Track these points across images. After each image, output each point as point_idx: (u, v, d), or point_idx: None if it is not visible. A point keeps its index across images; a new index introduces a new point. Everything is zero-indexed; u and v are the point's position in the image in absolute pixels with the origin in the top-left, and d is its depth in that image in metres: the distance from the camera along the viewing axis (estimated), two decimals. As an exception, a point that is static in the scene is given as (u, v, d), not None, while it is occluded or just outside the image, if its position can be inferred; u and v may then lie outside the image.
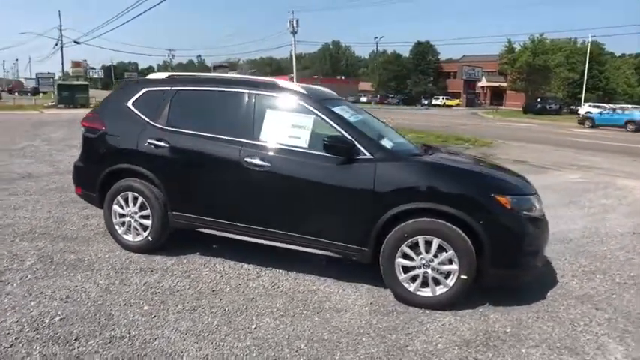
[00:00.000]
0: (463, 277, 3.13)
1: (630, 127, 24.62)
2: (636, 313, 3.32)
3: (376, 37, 78.22)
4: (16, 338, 2.61)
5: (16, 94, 46.31)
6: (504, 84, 52.23)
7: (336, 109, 3.62)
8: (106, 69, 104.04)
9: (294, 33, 64.28)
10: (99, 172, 4.01)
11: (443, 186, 3.20)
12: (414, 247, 3.21)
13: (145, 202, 3.86)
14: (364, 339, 2.81)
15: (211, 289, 3.42)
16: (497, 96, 55.96)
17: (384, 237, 3.26)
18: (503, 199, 3.13)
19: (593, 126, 26.61)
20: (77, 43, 42.08)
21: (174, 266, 3.78)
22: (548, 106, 39.89)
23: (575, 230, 5.30)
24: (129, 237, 4.00)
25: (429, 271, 3.20)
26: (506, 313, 3.21)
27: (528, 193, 3.39)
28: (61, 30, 40.95)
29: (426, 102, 56.60)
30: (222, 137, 3.64)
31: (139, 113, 3.96)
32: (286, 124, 3.56)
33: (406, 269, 3.25)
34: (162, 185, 3.81)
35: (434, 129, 18.47)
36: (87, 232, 4.45)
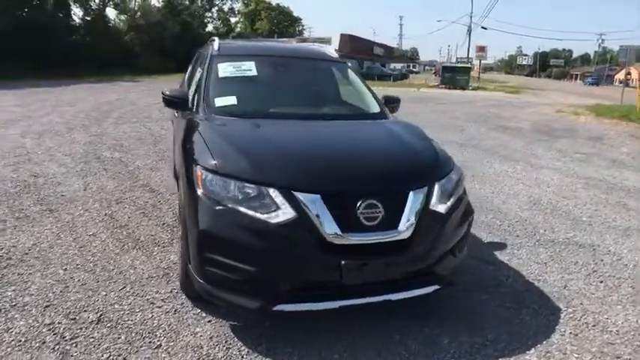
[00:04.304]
0: None
1: None
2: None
3: None
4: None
5: (435, 76, 46.85)
6: None
7: (221, 65, 3.29)
8: (534, 56, 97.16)
9: None
10: None
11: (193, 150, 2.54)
12: None
13: None
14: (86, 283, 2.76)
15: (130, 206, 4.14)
16: None
17: None
18: (199, 173, 2.25)
19: None
20: (484, 28, 43.99)
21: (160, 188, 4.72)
22: None
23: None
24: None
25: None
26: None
27: (260, 181, 2.12)
28: (471, 17, 41.56)
29: None
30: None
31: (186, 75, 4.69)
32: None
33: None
34: None
35: None
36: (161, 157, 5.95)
